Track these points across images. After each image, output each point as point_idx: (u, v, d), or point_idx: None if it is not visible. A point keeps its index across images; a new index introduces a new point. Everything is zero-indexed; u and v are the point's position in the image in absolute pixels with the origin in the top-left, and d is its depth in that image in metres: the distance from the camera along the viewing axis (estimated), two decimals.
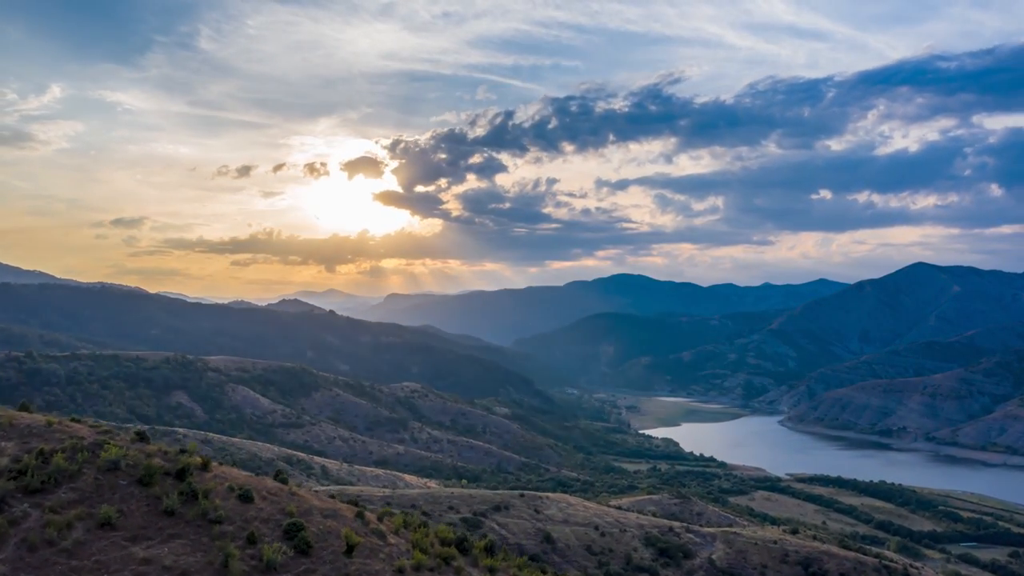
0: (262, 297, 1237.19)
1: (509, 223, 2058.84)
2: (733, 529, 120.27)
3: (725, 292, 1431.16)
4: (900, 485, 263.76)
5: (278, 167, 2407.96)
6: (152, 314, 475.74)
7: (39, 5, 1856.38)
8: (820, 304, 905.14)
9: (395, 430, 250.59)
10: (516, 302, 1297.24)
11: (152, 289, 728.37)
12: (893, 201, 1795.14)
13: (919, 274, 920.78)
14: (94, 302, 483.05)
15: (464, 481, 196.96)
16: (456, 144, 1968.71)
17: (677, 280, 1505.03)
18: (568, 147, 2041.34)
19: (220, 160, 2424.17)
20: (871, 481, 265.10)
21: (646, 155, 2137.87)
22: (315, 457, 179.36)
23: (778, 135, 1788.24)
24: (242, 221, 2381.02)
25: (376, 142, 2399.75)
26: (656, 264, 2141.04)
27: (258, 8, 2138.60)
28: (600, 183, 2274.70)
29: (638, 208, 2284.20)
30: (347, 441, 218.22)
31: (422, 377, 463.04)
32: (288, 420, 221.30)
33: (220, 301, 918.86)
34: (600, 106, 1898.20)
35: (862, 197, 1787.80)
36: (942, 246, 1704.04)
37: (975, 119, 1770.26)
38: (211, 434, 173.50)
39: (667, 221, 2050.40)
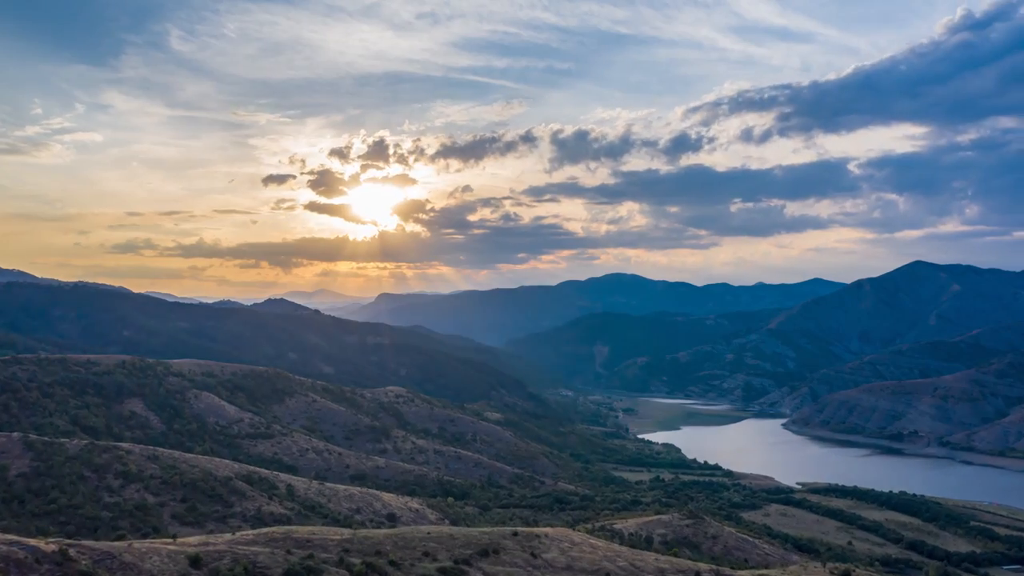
0: (251, 297, 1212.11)
1: (439, 229, 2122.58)
2: (771, 573, 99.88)
3: (719, 292, 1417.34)
4: (923, 496, 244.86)
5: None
6: (126, 314, 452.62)
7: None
8: (818, 303, 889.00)
9: (376, 439, 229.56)
10: (508, 302, 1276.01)
11: (138, 290, 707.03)
12: (804, 209, 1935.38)
13: (918, 273, 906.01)
14: (65, 302, 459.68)
15: (450, 499, 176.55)
16: (343, 160, 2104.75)
17: (671, 280, 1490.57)
18: (454, 164, 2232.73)
19: (200, 163, 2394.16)
20: (891, 492, 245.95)
21: (530, 168, 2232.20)
22: (281, 474, 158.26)
23: (640, 153, 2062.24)
24: (207, 224, 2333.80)
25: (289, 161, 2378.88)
26: (608, 264, 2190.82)
27: (230, 8, 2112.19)
28: (515, 191, 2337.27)
29: (559, 215, 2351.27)
30: (321, 453, 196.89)
31: (410, 379, 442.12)
32: (256, 430, 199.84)
33: (206, 301, 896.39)
34: (464, 137, 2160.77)
35: (774, 204, 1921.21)
36: (868, 251, 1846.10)
37: (817, 140, 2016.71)
38: (161, 449, 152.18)
39: (599, 227, 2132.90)
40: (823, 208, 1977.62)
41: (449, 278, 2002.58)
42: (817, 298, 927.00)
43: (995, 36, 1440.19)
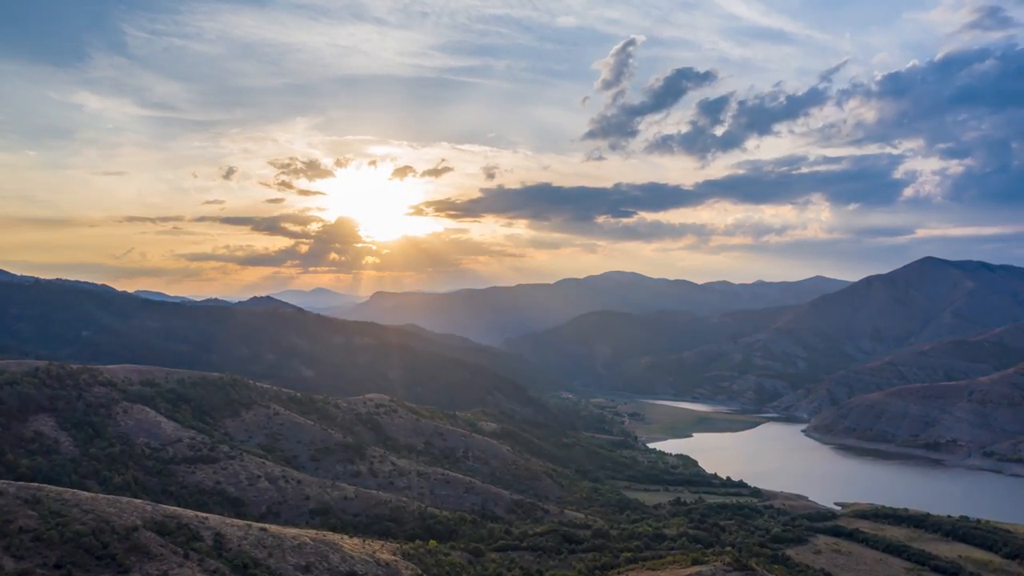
0: (243, 295, 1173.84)
1: (335, 240, 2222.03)
2: None
3: (720, 289, 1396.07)
4: (988, 522, 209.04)
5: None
6: (89, 313, 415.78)
7: None
8: (826, 301, 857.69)
9: (349, 460, 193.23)
10: (505, 300, 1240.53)
11: (128, 289, 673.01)
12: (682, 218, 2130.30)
13: (929, 269, 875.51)
14: (24, 300, 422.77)
15: (433, 542, 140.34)
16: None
17: (670, 277, 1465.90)
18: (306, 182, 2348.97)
19: (178, 163, 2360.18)
20: (951, 517, 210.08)
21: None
22: (210, 517, 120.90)
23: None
24: (184, 226, 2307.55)
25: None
26: (534, 267, 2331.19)
27: (194, 8, 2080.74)
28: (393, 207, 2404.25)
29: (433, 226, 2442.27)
30: (276, 481, 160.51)
31: (399, 383, 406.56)
32: (197, 452, 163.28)
33: (193, 299, 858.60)
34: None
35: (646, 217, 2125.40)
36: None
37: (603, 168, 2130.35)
38: (48, 487, 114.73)
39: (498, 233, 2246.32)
40: (697, 216, 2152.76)
41: (378, 283, 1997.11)
42: (825, 295, 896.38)
43: (632, 93, 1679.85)
